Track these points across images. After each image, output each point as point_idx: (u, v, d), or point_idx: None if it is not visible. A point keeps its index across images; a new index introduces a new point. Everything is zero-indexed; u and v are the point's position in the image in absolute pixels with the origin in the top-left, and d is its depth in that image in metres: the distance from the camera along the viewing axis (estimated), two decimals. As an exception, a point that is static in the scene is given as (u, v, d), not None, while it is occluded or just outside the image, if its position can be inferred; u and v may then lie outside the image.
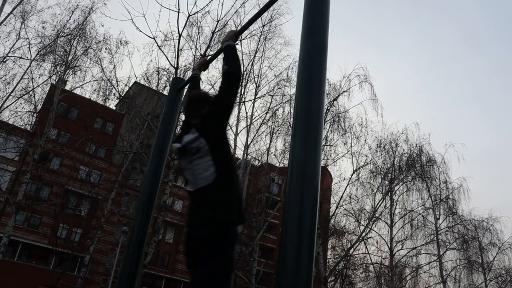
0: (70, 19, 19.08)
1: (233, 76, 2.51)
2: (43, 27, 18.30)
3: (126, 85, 18.22)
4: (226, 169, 2.32)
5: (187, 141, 2.38)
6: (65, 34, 19.05)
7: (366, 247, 22.78)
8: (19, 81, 17.94)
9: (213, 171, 2.29)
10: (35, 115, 19.02)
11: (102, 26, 34.63)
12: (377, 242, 23.54)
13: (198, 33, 15.51)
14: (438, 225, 23.64)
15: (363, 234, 21.62)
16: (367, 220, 22.13)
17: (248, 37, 18.28)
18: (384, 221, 23.17)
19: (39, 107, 19.22)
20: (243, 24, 2.65)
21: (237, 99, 17.97)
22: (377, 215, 22.40)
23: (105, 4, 19.77)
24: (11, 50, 17.22)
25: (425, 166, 23.59)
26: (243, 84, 18.48)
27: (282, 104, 19.58)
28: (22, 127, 20.44)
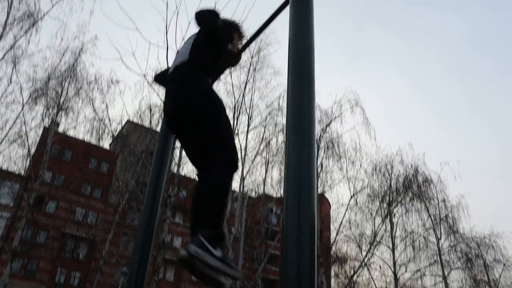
0: (61, 61, 19.26)
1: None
2: (34, 70, 18.45)
3: (119, 123, 18.27)
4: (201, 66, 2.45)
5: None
6: (56, 76, 19.20)
7: (369, 273, 22.51)
8: (12, 125, 17.95)
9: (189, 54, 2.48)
10: (29, 159, 18.95)
11: (93, 66, 34.82)
12: (380, 267, 23.28)
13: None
14: (440, 245, 23.44)
15: (366, 260, 21.40)
16: (369, 245, 21.94)
17: (238, 69, 18.49)
18: (386, 245, 22.96)
19: (32, 150, 19.17)
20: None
21: None
22: (378, 239, 22.22)
23: (95, 44, 19.96)
24: (3, 95, 17.30)
25: (422, 186, 23.57)
26: (236, 116, 18.57)
27: (275, 133, 19.65)
28: (16, 172, 20.32)
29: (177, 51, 2.71)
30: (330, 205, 23.13)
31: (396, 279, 22.16)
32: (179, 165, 15.79)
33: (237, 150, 2.40)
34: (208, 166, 2.20)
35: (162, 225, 14.42)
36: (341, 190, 69.81)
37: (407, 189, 23.01)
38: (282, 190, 19.57)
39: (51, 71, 18.97)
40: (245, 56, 18.93)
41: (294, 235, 1.56)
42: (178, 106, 2.29)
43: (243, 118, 19.25)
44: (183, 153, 10.21)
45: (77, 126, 20.42)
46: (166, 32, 11.51)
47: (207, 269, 1.87)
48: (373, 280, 22.54)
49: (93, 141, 21.45)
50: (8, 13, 16.22)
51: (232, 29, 2.74)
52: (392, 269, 22.36)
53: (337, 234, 21.21)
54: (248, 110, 19.01)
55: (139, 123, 18.49)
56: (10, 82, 17.35)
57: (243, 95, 18.93)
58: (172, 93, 2.35)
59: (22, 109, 17.93)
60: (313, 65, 1.96)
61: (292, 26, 2.10)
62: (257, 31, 2.84)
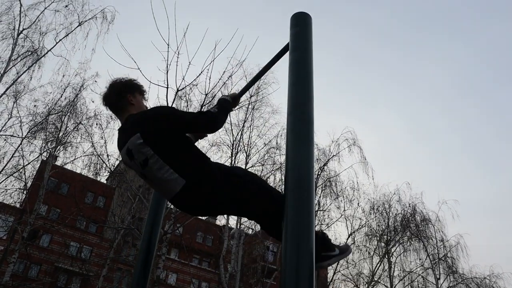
0: (61, 96, 19.48)
1: (211, 118, 2.35)
2: (35, 105, 18.62)
3: (117, 159, 18.30)
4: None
5: None
6: (56, 111, 19.37)
7: (367, 313, 22.07)
8: (10, 159, 17.97)
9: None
10: (25, 192, 18.86)
11: (93, 102, 35.07)
12: (378, 307, 22.85)
13: (187, 106, 15.86)
14: (439, 286, 23.11)
15: (363, 300, 21.02)
16: (366, 285, 21.64)
17: (236, 108, 18.72)
18: (384, 285, 22.65)
19: (29, 184, 19.11)
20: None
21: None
22: (376, 279, 21.94)
23: (95, 81, 20.22)
24: (3, 129, 17.40)
25: (420, 226, 23.46)
26: (234, 153, 18.65)
27: (273, 171, 19.68)
28: (11, 205, 20.17)
29: None
30: (327, 243, 22.91)
31: (394, 320, 21.74)
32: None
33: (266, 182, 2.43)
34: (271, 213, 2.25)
35: (157, 261, 14.25)
36: (338, 229, 68.91)
37: (405, 228, 22.90)
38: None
39: (51, 106, 19.17)
40: (243, 96, 19.13)
41: (292, 274, 1.60)
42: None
43: (241, 156, 19.34)
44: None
45: (75, 160, 20.44)
46: (167, 72, 11.69)
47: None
48: (371, 322, 22.10)
49: (91, 175, 21.42)
50: (13, 50, 16.55)
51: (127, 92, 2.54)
52: (391, 310, 21.97)
53: (334, 273, 20.96)
54: (246, 148, 19.12)
55: (137, 158, 18.48)
56: (11, 116, 17.51)
57: (242, 133, 19.08)
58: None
59: (21, 143, 18.01)
60: (312, 111, 2.04)
61: (291, 73, 2.19)
62: (257, 75, 2.93)
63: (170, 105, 12.72)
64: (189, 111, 2.69)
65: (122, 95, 2.50)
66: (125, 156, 2.32)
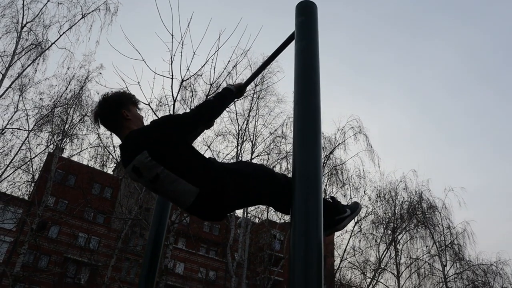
0: (66, 89, 19.53)
1: (209, 107, 2.35)
2: (40, 98, 18.69)
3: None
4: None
5: None
6: (62, 104, 19.44)
7: (374, 300, 22.18)
8: (17, 152, 18.09)
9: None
10: (32, 184, 19.01)
11: (98, 94, 35.22)
12: (385, 294, 22.95)
13: (192, 96, 15.87)
14: (446, 272, 23.17)
15: (370, 287, 21.14)
16: (373, 272, 21.73)
17: (242, 98, 18.70)
18: (390, 272, 22.74)
19: (36, 176, 19.25)
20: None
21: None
22: (382, 266, 22.01)
23: (100, 73, 20.24)
24: (9, 122, 17.49)
25: (426, 213, 23.46)
26: (240, 143, 18.66)
27: (279, 160, 19.70)
28: (20, 197, 20.35)
29: None
30: (334, 231, 22.98)
31: (401, 307, 21.85)
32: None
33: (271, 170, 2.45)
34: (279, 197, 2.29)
35: (165, 251, 14.37)
36: (344, 217, 69.09)
37: (411, 215, 22.91)
38: (286, 217, 19.52)
39: (57, 98, 19.23)
40: (249, 86, 19.08)
41: (302, 261, 1.62)
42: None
43: (247, 146, 19.36)
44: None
45: (82, 152, 20.56)
46: (172, 62, 11.69)
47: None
48: (378, 308, 22.23)
49: (97, 167, 21.54)
50: (17, 43, 16.57)
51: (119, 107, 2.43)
52: (397, 296, 22.07)
53: (341, 261, 21.05)
54: (251, 137, 19.13)
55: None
56: (17, 109, 17.59)
57: (247, 122, 19.08)
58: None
59: (28, 136, 18.12)
60: (318, 100, 2.05)
61: (297, 63, 2.18)
62: (262, 65, 2.92)
63: (175, 95, 12.75)
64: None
65: (117, 112, 2.38)
66: (132, 174, 2.26)
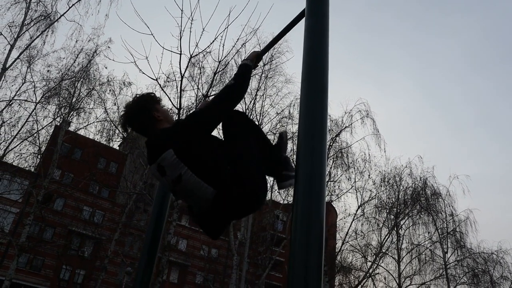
0: (74, 62, 19.47)
1: (233, 90, 2.32)
2: (48, 70, 18.65)
3: (129, 125, 18.37)
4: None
5: None
6: (70, 77, 19.41)
7: (374, 284, 22.40)
8: (24, 123, 18.15)
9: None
10: (39, 156, 19.13)
11: (106, 68, 35.23)
12: (385, 278, 23.15)
13: (200, 73, 15.77)
14: (446, 259, 23.27)
15: (371, 270, 21.30)
16: (374, 256, 21.86)
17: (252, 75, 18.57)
18: (392, 256, 22.86)
19: (43, 148, 19.36)
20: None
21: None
22: (384, 251, 22.12)
23: (108, 47, 20.13)
24: (17, 93, 17.52)
25: (430, 200, 23.46)
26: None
27: (285, 141, 19.61)
28: (26, 169, 20.51)
29: None
30: (336, 214, 23.08)
31: (400, 291, 22.02)
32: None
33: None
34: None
35: (168, 227, 14.48)
36: (348, 200, 69.42)
37: (415, 201, 22.92)
38: (290, 198, 19.58)
39: (64, 71, 19.19)
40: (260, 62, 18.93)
41: (303, 241, 1.60)
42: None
43: (253, 125, 19.28)
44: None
45: (88, 126, 20.61)
46: (180, 38, 11.58)
47: None
48: (377, 292, 22.42)
49: (103, 141, 21.63)
50: (26, 14, 16.45)
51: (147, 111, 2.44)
52: (397, 281, 22.23)
53: (342, 243, 21.16)
54: (258, 117, 19.06)
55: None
56: (24, 81, 17.58)
57: (254, 101, 19.00)
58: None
59: (35, 107, 18.15)
60: (326, 78, 2.00)
61: (307, 40, 2.13)
62: (271, 42, 2.87)
63: (183, 72, 12.68)
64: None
65: (149, 117, 2.40)
66: (156, 172, 2.26)
